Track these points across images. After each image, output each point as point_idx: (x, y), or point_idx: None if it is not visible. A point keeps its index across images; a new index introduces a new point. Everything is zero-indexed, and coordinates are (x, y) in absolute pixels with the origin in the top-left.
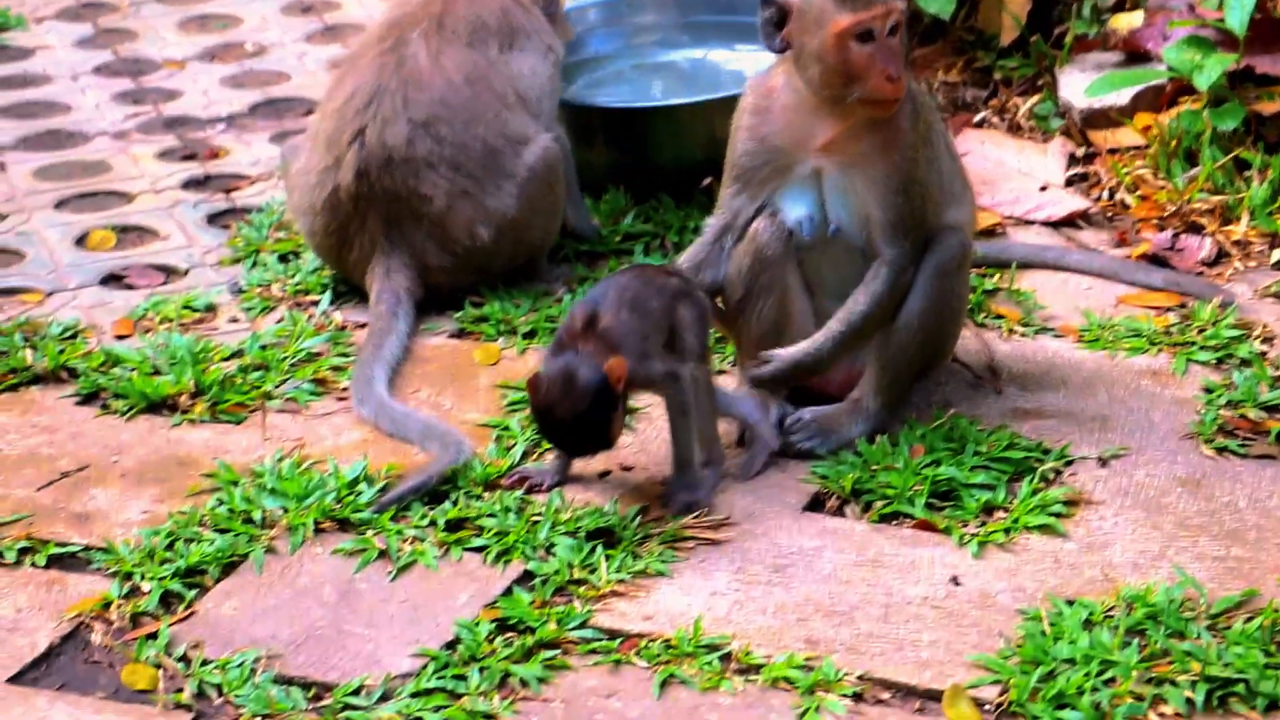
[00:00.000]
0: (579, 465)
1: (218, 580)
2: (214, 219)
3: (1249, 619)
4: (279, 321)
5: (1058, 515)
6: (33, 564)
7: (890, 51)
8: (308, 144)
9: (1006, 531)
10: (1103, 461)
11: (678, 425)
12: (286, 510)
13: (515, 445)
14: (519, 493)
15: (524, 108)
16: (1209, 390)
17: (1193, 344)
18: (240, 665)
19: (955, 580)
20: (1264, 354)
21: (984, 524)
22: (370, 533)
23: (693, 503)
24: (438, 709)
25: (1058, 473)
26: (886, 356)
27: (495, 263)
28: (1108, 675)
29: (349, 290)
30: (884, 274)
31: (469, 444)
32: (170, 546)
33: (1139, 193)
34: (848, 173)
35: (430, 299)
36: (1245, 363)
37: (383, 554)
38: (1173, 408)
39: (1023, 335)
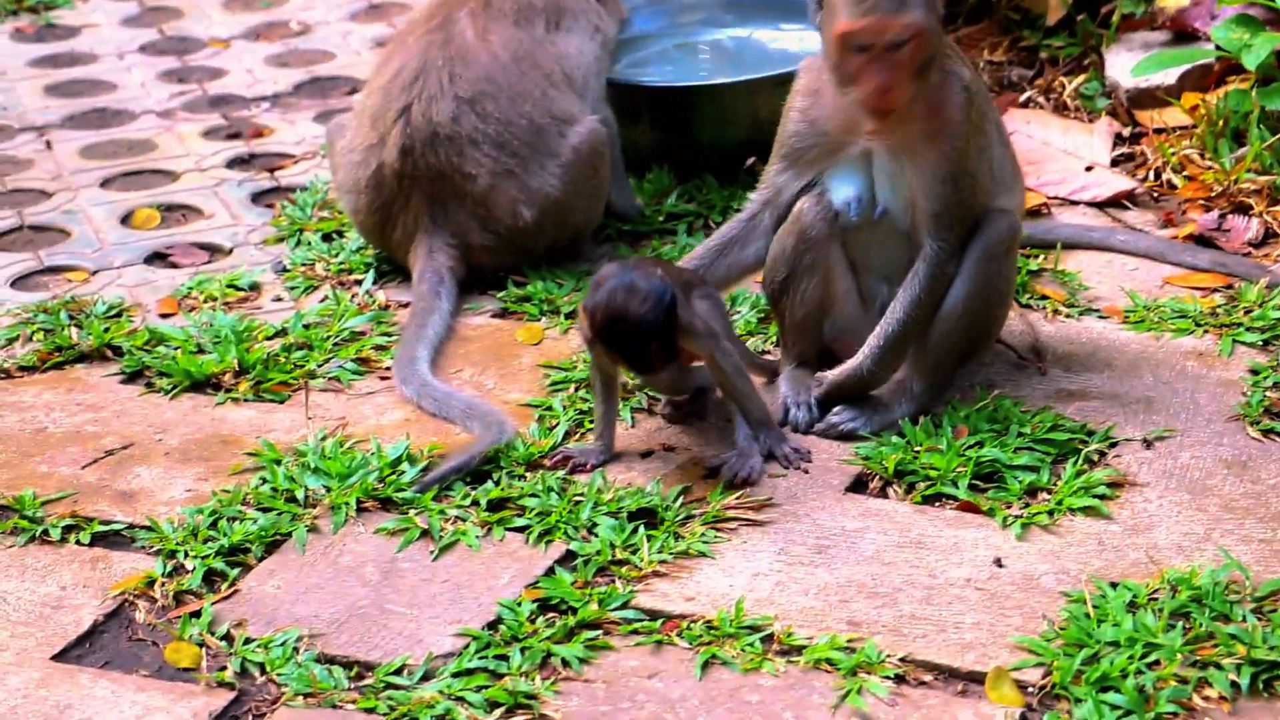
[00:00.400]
0: (621, 444)
1: (260, 559)
2: (258, 198)
3: None
4: (322, 300)
5: (1102, 497)
6: (77, 542)
7: (886, 66)
8: (353, 122)
9: (1050, 513)
10: (1147, 443)
11: (734, 384)
12: (329, 489)
13: (558, 425)
14: (562, 473)
15: (570, 87)
16: (1255, 372)
17: (1239, 325)
18: (283, 644)
19: (998, 562)
20: None
21: (1027, 506)
22: (412, 512)
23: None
24: (479, 689)
25: (1102, 454)
26: (932, 339)
27: (538, 243)
28: (1152, 658)
29: (392, 270)
30: (922, 272)
31: (511, 424)
32: (214, 525)
33: (1185, 173)
34: (897, 158)
35: (473, 279)
36: None
37: (425, 533)
38: (1218, 389)
39: (1068, 316)
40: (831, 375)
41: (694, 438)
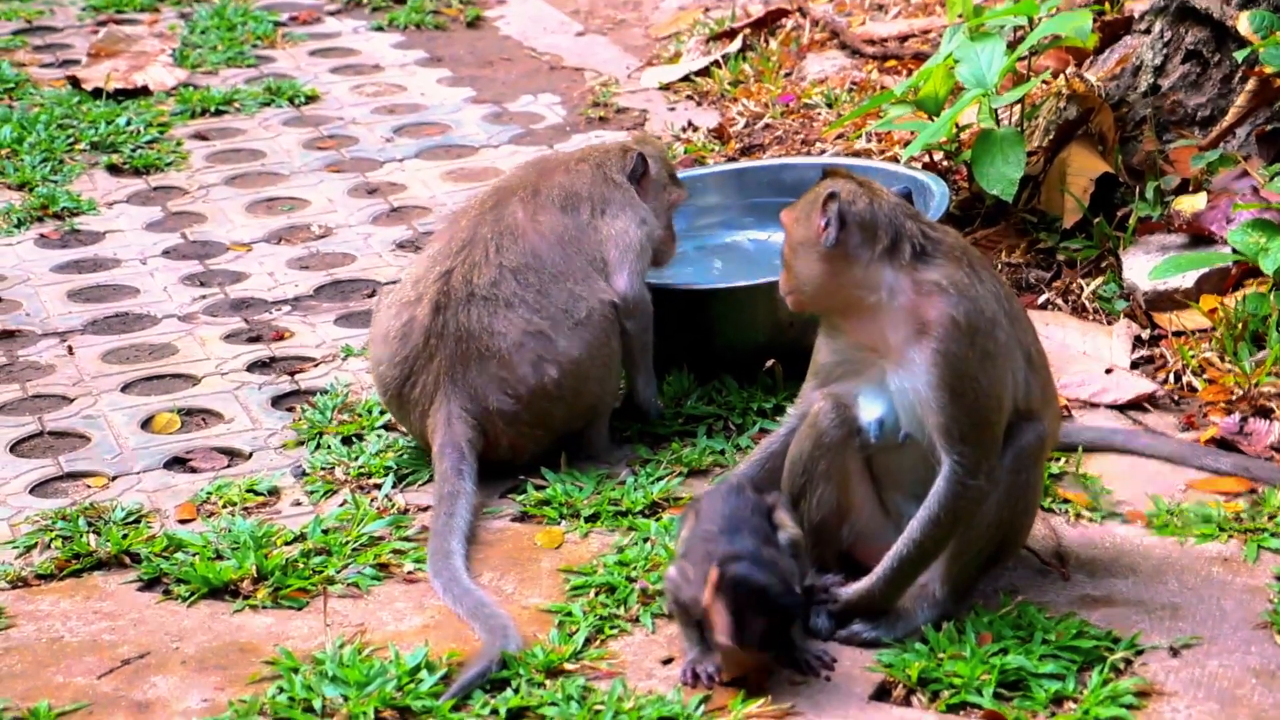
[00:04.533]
0: (642, 650)
1: None
2: (278, 401)
3: None
4: (342, 505)
5: (1129, 707)
6: None
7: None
8: (398, 284)
9: None
10: (1174, 651)
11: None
12: (347, 699)
13: (578, 631)
14: (698, 690)
15: (610, 269)
16: None
17: (1264, 530)
18: None
19: None
20: None
21: (1054, 715)
22: None
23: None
24: None
25: (1128, 662)
26: (957, 545)
27: (556, 410)
28: None
29: (412, 472)
30: (941, 491)
31: (515, 631)
32: None
33: (1206, 376)
34: (896, 372)
35: (491, 455)
36: None
37: None
38: (1245, 596)
39: (1090, 520)
40: (845, 593)
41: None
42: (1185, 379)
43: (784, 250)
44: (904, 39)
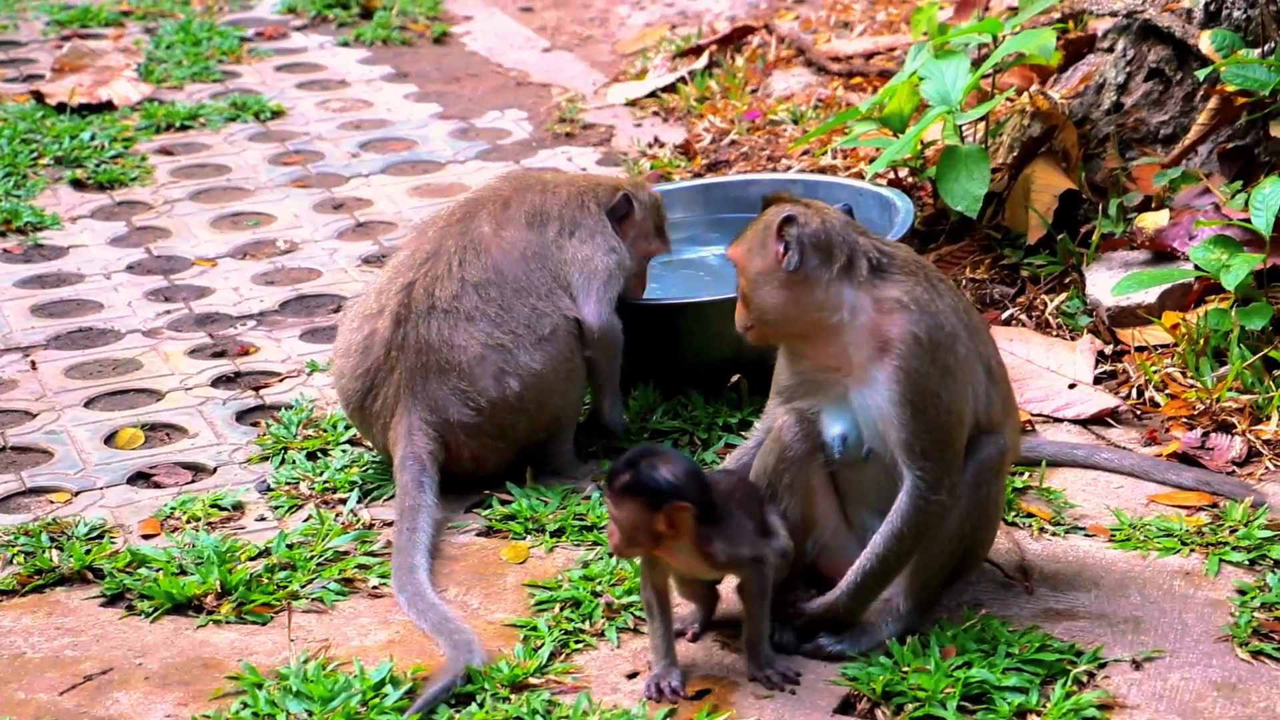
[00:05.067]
0: (606, 665)
1: None
2: (243, 416)
3: None
4: (306, 520)
5: (1092, 719)
6: None
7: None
8: (363, 295)
9: None
10: (1136, 664)
11: (758, 607)
12: (311, 714)
13: (543, 645)
14: (662, 705)
15: (577, 296)
16: (1242, 592)
17: (1225, 544)
18: None
19: None
20: None
21: None
22: None
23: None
24: None
25: (1091, 675)
26: (921, 560)
27: (518, 423)
28: None
29: (377, 487)
30: (903, 506)
31: (479, 647)
32: None
33: (1168, 391)
34: (859, 390)
35: (453, 466)
36: (1279, 564)
37: None
38: (1206, 609)
39: (1053, 534)
40: (811, 607)
41: (680, 658)
42: (1148, 394)
43: (740, 285)
44: (869, 56)
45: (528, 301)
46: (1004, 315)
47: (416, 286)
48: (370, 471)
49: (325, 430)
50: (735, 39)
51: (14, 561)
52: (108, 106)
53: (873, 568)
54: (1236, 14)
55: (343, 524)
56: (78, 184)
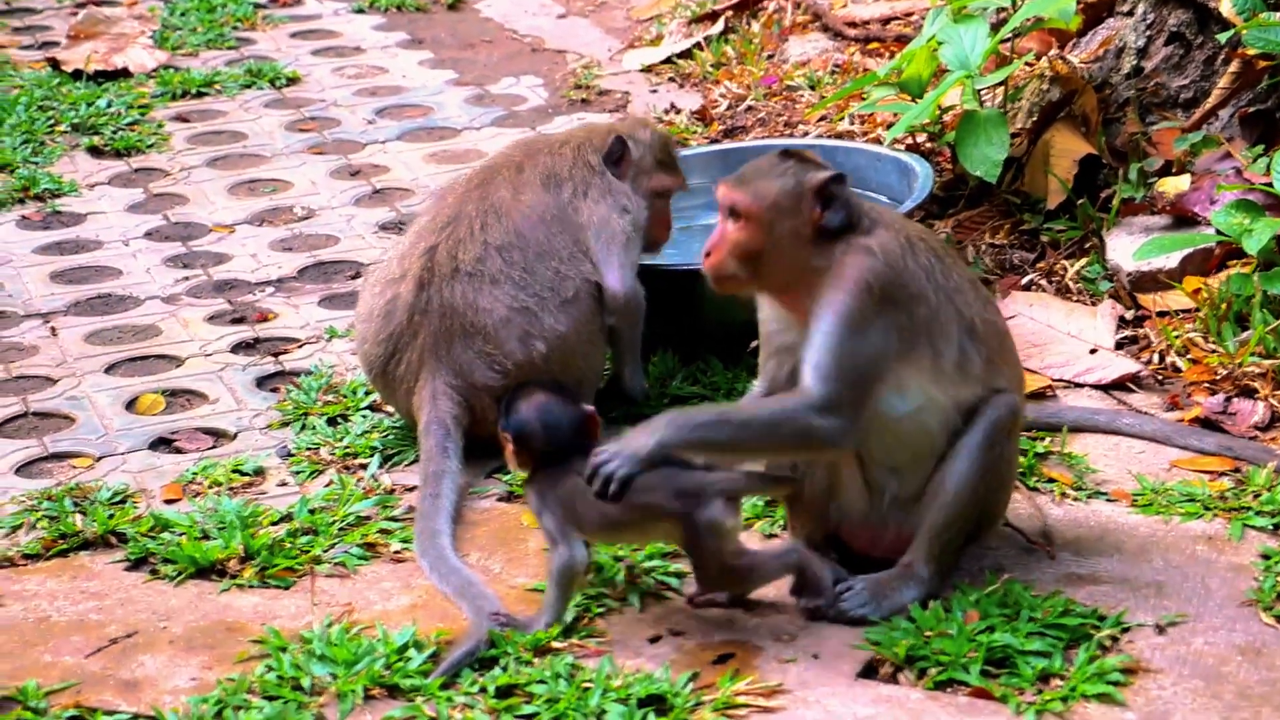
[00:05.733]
0: (629, 629)
1: None
2: (263, 382)
3: None
4: (328, 485)
5: (1116, 684)
6: None
7: (721, 230)
8: (385, 259)
9: (1064, 700)
10: (1160, 629)
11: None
12: (336, 677)
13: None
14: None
15: (598, 264)
16: (1266, 557)
17: (1248, 509)
18: None
19: None
20: None
21: (1040, 692)
22: (420, 700)
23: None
24: None
25: (1114, 640)
26: (937, 522)
27: None
28: None
29: (397, 452)
30: (780, 401)
31: (502, 609)
32: (219, 715)
33: (1190, 356)
34: (809, 330)
35: (477, 431)
36: None
37: None
38: (1230, 574)
39: (1075, 499)
40: (652, 423)
41: (701, 623)
42: (1169, 359)
43: (737, 234)
44: (886, 21)
45: (550, 265)
46: (1024, 280)
47: (439, 250)
48: (391, 437)
49: (345, 396)
50: (751, 4)
51: (38, 526)
52: (123, 73)
53: (729, 416)
54: None
55: (364, 489)
56: (95, 151)
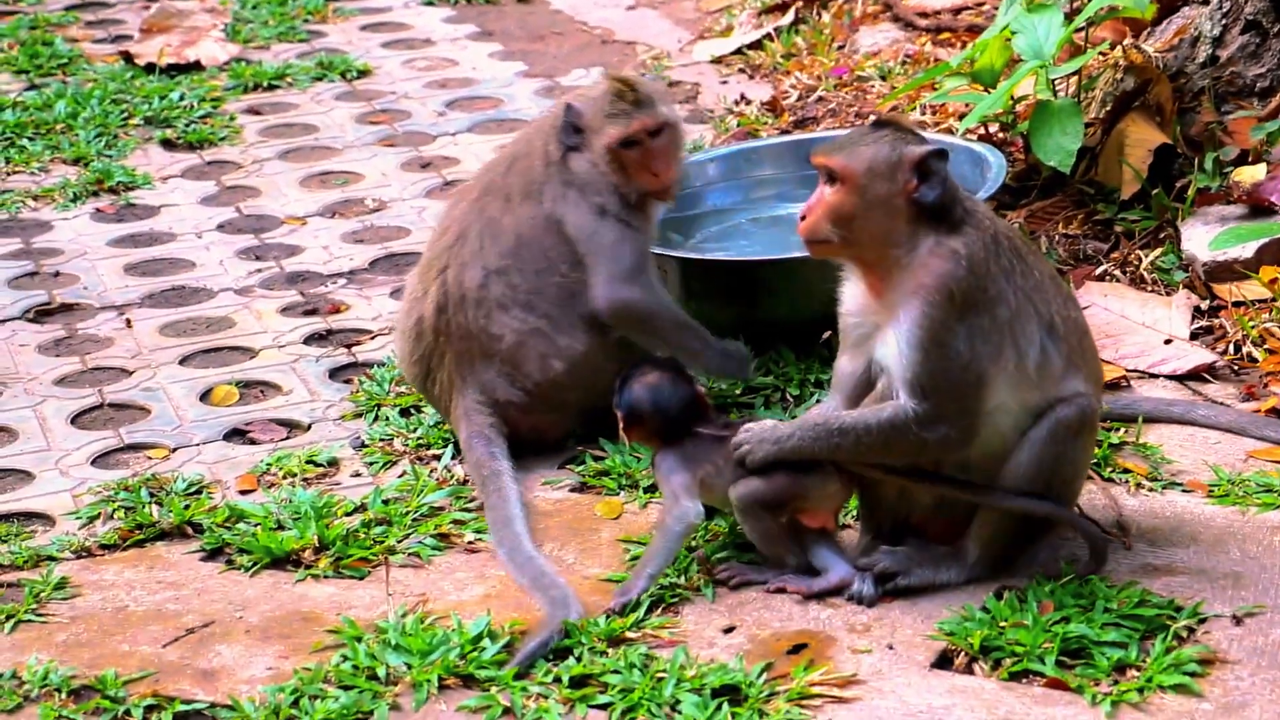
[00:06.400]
0: (703, 619)
1: None
2: (335, 373)
3: None
4: (401, 476)
5: (1192, 675)
6: None
7: (819, 194)
8: (414, 272)
9: (1140, 691)
10: (1237, 620)
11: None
12: (410, 667)
13: (639, 600)
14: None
15: (587, 262)
16: None
17: None
18: None
19: None
20: None
21: (1116, 683)
22: (495, 689)
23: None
24: None
25: (1191, 631)
26: (992, 511)
27: (569, 398)
28: None
29: None
30: (888, 411)
31: (576, 601)
32: (295, 704)
33: (1266, 346)
34: (887, 331)
35: (517, 437)
36: None
37: (507, 711)
38: None
39: (1151, 490)
40: (757, 427)
41: (776, 613)
42: (1245, 349)
43: (835, 199)
44: (957, 11)
45: (553, 280)
46: (1098, 271)
47: (449, 273)
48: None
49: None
50: None
51: (114, 516)
52: (195, 67)
53: (828, 425)
54: None
55: (437, 480)
56: (168, 144)
